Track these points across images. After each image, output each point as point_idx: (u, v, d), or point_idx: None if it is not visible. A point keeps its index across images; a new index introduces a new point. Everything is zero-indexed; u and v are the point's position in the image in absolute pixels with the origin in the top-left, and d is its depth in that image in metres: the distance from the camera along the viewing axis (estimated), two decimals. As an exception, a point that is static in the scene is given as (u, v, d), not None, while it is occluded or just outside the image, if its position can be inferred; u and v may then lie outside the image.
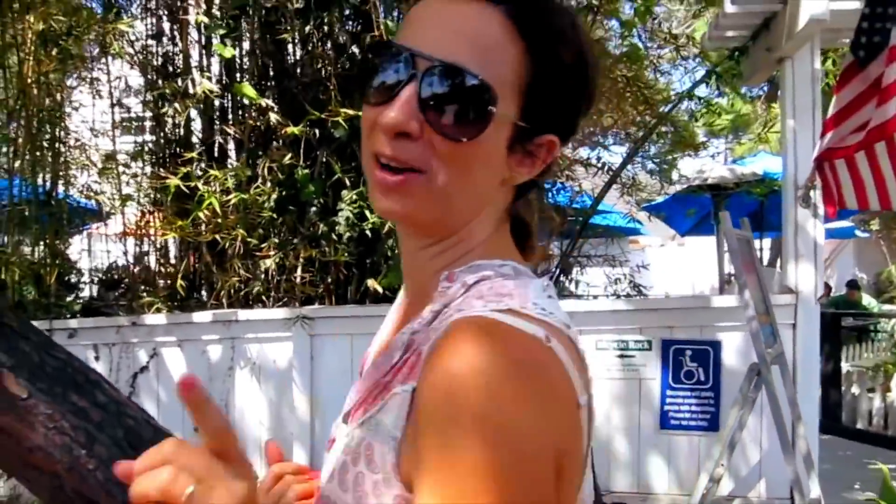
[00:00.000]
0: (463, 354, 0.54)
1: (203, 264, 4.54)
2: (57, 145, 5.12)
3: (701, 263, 11.37)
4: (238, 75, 4.41)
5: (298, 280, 4.43)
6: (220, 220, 4.07)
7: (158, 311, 4.37)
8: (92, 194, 5.38)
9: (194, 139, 4.73)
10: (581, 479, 0.62)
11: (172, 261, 4.83)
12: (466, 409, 0.52)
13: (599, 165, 5.64)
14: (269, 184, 4.18)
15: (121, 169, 4.99)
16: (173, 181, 4.07)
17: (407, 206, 0.63)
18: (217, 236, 3.99)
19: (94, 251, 5.79)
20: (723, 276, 7.48)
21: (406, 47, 0.62)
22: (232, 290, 4.43)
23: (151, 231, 4.81)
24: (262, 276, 4.33)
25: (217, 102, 4.48)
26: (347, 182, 4.12)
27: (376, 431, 0.61)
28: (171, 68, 4.87)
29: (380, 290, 4.30)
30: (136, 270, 5.06)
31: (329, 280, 4.51)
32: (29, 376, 2.46)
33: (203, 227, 4.10)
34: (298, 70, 4.39)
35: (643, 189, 6.13)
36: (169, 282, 4.66)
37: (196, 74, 4.34)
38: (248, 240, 4.08)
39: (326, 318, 4.12)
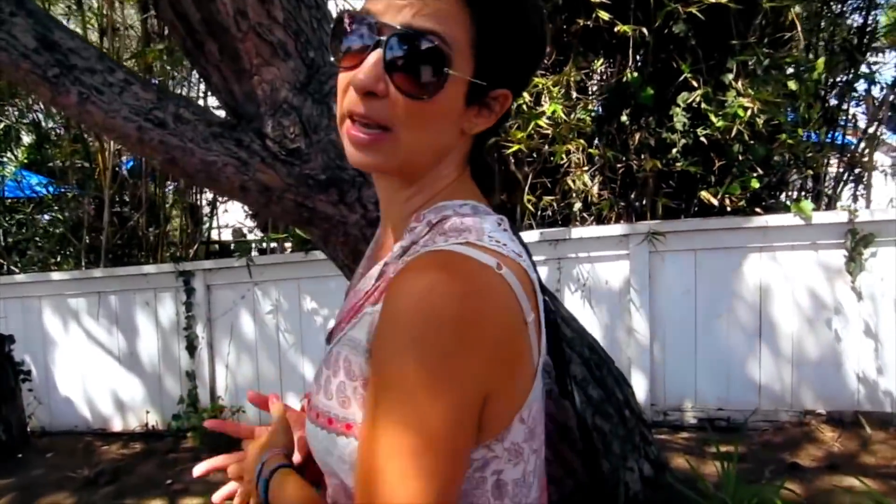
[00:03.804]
0: (414, 281, 0.61)
1: (509, 182, 4.30)
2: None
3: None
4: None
5: (617, 193, 4.12)
6: (549, 132, 3.79)
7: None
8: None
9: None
10: (527, 394, 0.67)
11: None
12: (404, 331, 0.59)
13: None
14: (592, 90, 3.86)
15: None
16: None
17: (377, 159, 0.70)
18: (567, 147, 3.70)
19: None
20: None
21: (372, 16, 0.67)
22: (552, 210, 4.17)
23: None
24: (584, 191, 4.04)
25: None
26: (695, 83, 3.73)
27: (352, 346, 0.70)
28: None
29: (714, 202, 3.94)
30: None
31: (643, 193, 4.18)
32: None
33: (536, 139, 3.82)
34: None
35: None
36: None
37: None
38: (590, 150, 3.78)
39: (671, 233, 3.81)
